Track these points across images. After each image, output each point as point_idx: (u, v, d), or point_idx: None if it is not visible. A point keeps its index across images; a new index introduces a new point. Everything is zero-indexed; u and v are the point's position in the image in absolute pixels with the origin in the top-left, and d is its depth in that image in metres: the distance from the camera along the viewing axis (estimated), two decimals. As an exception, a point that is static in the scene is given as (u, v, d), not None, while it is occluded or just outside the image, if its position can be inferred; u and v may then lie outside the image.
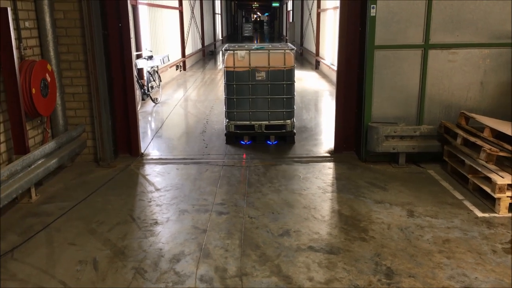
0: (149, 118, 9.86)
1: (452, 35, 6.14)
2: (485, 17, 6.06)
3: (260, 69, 7.30)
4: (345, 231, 4.52)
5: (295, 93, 7.54)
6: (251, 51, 7.32)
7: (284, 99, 7.43)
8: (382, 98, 6.34)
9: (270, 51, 7.35)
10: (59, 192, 5.59)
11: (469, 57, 6.20)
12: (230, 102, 7.48)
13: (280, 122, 7.54)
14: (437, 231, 4.48)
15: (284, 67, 7.31)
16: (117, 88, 6.68)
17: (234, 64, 7.30)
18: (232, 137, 7.64)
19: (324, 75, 16.01)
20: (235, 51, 7.33)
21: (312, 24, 19.69)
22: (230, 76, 7.36)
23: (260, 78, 7.34)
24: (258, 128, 7.55)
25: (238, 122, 7.55)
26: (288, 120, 7.56)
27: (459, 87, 6.29)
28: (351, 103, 6.78)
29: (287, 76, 7.34)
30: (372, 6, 6.01)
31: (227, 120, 7.63)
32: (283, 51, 7.39)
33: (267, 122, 7.51)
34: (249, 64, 7.29)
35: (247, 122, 7.54)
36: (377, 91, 6.30)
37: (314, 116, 9.80)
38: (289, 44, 8.31)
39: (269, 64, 7.30)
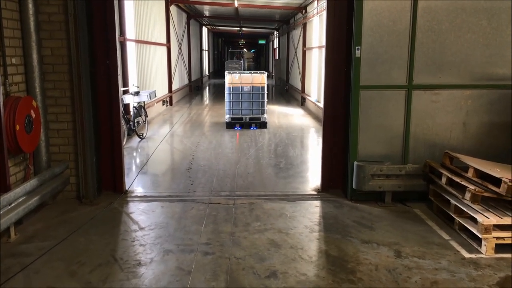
0: (134, 154, 9.78)
1: (434, 76, 6.30)
2: (467, 60, 6.25)
3: (246, 84, 12.45)
4: (332, 272, 4.45)
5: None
6: (241, 74, 12.66)
7: (260, 102, 12.54)
8: (368, 137, 6.41)
9: (252, 74, 12.72)
10: (39, 231, 5.43)
11: (451, 98, 6.35)
12: (229, 104, 12.52)
13: (258, 115, 12.61)
14: (425, 272, 4.44)
15: (260, 84, 12.50)
16: (103, 124, 6.64)
17: (231, 81, 12.46)
18: (230, 124, 12.55)
19: (310, 112, 16.20)
20: (232, 74, 12.60)
21: (298, 61, 20.09)
22: (230, 88, 12.46)
23: (246, 89, 12.49)
24: (245, 119, 12.58)
25: (233, 116, 12.55)
26: (262, 115, 12.60)
27: (442, 127, 6.40)
28: (337, 141, 6.83)
29: (262, 89, 12.53)
30: (357, 47, 6.16)
31: (227, 115, 12.55)
32: (260, 74, 12.65)
33: (251, 115, 12.57)
34: (241, 81, 12.46)
35: (239, 115, 12.56)
36: (363, 130, 6.38)
37: (300, 153, 9.83)
38: (263, 71, 12.98)
39: (252, 81, 12.51)
